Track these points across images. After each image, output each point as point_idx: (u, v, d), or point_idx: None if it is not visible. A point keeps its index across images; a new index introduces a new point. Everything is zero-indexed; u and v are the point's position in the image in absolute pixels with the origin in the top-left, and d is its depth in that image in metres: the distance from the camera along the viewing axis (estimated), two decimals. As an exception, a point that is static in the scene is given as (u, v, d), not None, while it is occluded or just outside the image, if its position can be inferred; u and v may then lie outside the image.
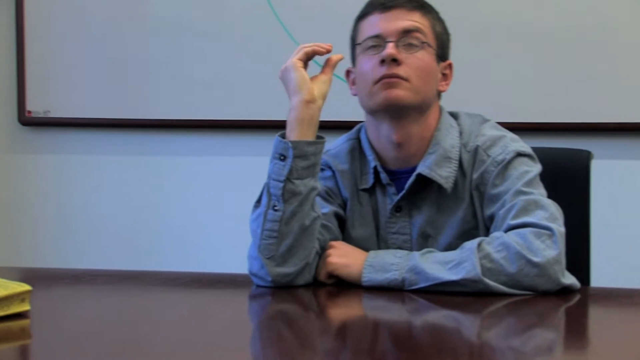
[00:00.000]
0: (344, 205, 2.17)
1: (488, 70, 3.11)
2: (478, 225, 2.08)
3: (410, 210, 2.12)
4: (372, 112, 2.10)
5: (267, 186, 2.00)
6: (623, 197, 3.17)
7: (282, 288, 1.99)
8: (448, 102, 2.19)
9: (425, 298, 1.90)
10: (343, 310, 1.96)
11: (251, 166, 3.18)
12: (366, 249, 2.06)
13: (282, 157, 1.99)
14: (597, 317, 1.89)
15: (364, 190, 2.16)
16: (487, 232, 2.05)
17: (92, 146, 3.34)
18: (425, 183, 2.09)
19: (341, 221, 2.16)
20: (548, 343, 1.65)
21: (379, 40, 2.07)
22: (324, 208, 2.11)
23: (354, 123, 2.24)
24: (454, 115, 2.18)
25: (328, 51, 2.07)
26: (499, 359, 1.54)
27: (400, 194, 2.10)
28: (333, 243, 2.06)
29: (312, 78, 2.03)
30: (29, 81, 3.33)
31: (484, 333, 1.73)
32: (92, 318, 1.80)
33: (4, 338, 1.60)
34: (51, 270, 2.67)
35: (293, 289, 2.00)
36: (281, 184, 1.98)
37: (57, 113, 3.33)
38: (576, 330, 1.74)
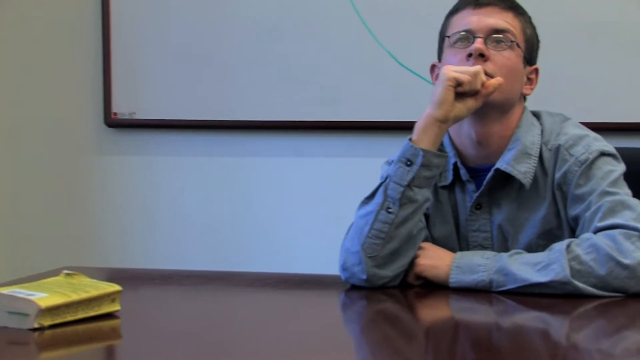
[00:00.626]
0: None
1: (571, 70, 3.07)
2: (561, 226, 2.06)
3: (491, 207, 2.10)
4: None
5: (385, 187, 1.99)
6: None
7: (370, 289, 1.99)
8: (531, 101, 2.18)
9: (513, 300, 1.88)
10: (430, 312, 1.96)
11: (335, 167, 3.19)
12: (447, 247, 2.05)
13: (408, 163, 1.97)
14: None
15: (443, 188, 2.14)
16: (571, 233, 2.03)
17: (176, 147, 3.37)
18: (504, 180, 2.07)
19: (427, 220, 2.15)
20: (638, 346, 1.62)
21: (468, 36, 2.06)
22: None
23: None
24: (536, 114, 2.16)
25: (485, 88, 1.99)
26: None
27: (480, 190, 2.09)
28: (421, 244, 2.04)
29: (461, 99, 1.98)
30: (115, 83, 3.36)
31: (572, 335, 1.71)
32: (182, 318, 1.82)
33: (96, 337, 1.63)
34: (139, 270, 2.71)
35: (381, 290, 1.99)
36: (402, 189, 1.97)
37: (142, 115, 3.36)
38: (669, 333, 1.71)
